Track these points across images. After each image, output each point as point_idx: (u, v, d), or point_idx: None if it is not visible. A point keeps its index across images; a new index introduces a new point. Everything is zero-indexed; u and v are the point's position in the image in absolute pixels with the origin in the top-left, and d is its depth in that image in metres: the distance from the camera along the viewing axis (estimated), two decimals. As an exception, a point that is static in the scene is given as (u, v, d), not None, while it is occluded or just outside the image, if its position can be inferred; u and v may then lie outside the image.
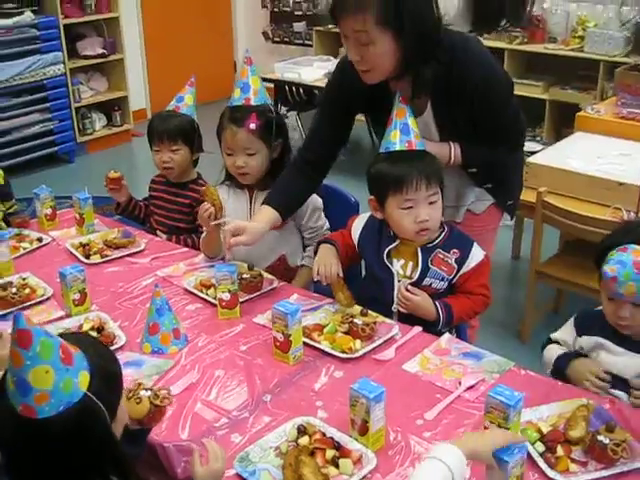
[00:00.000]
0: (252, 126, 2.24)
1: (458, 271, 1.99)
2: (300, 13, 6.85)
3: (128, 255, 2.44)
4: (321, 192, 2.41)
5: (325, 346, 1.85)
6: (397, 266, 2.01)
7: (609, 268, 1.65)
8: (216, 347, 1.89)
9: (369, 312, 1.95)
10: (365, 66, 1.90)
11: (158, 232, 2.73)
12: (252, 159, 2.30)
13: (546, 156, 3.20)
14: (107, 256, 2.43)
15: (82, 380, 1.12)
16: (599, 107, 3.62)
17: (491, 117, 2.00)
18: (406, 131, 1.94)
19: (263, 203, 2.19)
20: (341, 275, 2.03)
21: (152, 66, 6.75)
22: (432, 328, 1.96)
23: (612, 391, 1.74)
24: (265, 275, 2.21)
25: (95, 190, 2.80)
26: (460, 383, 1.71)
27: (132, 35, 6.34)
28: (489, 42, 5.46)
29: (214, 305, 2.07)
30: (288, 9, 6.94)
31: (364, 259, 2.14)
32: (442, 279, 1.98)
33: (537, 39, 5.38)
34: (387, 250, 2.00)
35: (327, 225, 2.43)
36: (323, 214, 2.42)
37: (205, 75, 6.63)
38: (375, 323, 1.90)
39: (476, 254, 2.00)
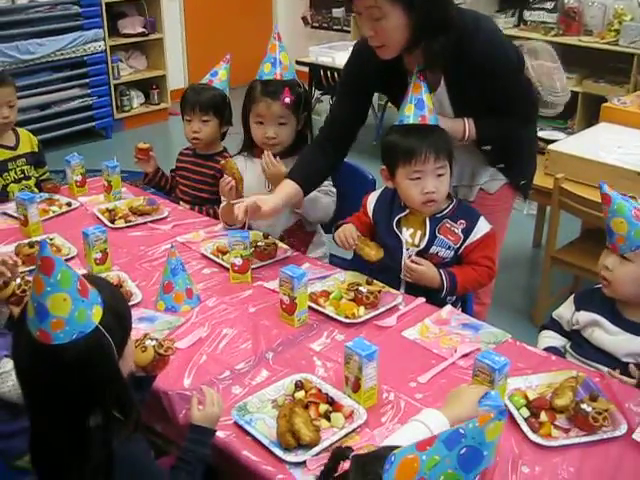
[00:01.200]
0: (287, 100, 2.35)
1: (464, 241, 2.06)
2: (339, -1, 6.90)
3: (151, 222, 2.54)
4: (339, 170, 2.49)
5: (330, 311, 1.93)
6: (406, 235, 2.09)
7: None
8: (226, 307, 1.98)
9: (374, 281, 2.02)
10: (378, 41, 1.97)
11: (181, 202, 2.83)
12: (283, 129, 2.42)
13: (568, 144, 3.22)
14: (131, 221, 2.53)
15: (95, 313, 1.22)
16: (625, 99, 3.62)
17: (502, 90, 2.06)
18: (421, 106, 2.00)
19: (286, 177, 2.27)
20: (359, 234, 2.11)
21: (191, 47, 6.87)
22: (437, 295, 2.03)
23: (597, 365, 1.80)
24: (280, 244, 2.30)
25: (128, 164, 2.91)
26: (456, 350, 1.78)
27: (172, 15, 6.46)
28: (524, 33, 5.48)
29: (228, 270, 2.16)
30: (327, -6, 6.99)
31: (377, 229, 2.22)
32: (448, 248, 2.06)
33: (572, 31, 5.36)
34: (397, 219, 2.09)
35: (331, 186, 2.48)
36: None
37: (243, 57, 6.73)
38: (379, 292, 1.98)
39: (482, 226, 2.08)
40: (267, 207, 2.14)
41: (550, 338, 1.96)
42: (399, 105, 2.13)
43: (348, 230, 2.12)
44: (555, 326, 1.98)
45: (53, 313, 1.18)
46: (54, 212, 2.63)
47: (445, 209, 2.08)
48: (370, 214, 2.19)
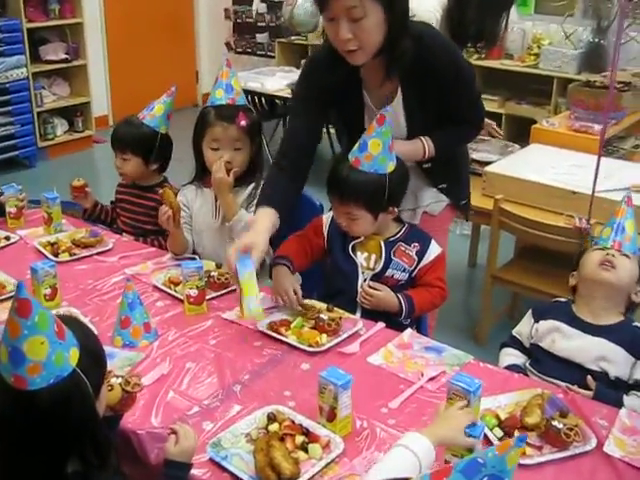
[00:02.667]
0: (243, 123, 2.34)
1: (418, 263, 2.11)
2: (263, 24, 6.95)
3: (96, 254, 2.47)
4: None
5: (292, 340, 1.92)
6: (361, 259, 2.12)
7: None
8: (186, 341, 1.94)
9: (335, 308, 2.02)
10: (355, 44, 1.92)
11: (124, 234, 2.77)
12: (238, 154, 2.39)
13: (502, 166, 3.32)
14: (75, 254, 2.45)
15: (72, 355, 1.17)
16: (554, 120, 3.77)
17: (458, 95, 2.11)
18: (364, 148, 1.99)
19: (258, 206, 2.10)
20: (299, 294, 2.06)
21: (114, 73, 6.76)
22: (395, 318, 2.06)
23: (557, 381, 1.85)
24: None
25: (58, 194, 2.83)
26: (422, 374, 1.80)
27: (95, 41, 6.35)
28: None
29: (182, 301, 2.12)
30: (251, 20, 7.03)
31: (331, 253, 2.22)
32: (403, 270, 2.10)
33: (494, 55, 5.55)
34: (352, 244, 2.12)
35: None
36: None
37: (167, 84, 6.68)
38: (340, 318, 1.97)
39: (434, 248, 2.14)
40: (258, 252, 1.95)
41: (511, 356, 2.01)
42: (344, 130, 2.17)
43: (289, 290, 2.04)
44: (515, 343, 2.04)
45: (30, 357, 1.13)
46: (-8, 247, 2.52)
47: (397, 233, 2.13)
48: (325, 235, 2.20)
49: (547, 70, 5.16)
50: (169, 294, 2.19)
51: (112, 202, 2.93)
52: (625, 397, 1.81)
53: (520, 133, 4.86)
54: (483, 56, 5.52)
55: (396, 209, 2.09)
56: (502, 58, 5.53)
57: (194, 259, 2.36)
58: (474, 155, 3.49)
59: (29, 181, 5.32)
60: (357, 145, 2.02)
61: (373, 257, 2.11)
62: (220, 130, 2.37)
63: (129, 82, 6.73)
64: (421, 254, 2.11)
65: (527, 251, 3.38)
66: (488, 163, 3.44)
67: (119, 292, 2.18)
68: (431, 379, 1.78)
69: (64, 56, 5.81)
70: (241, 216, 2.35)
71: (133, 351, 1.88)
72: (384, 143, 1.99)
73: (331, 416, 1.55)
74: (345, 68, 2.03)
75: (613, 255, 1.93)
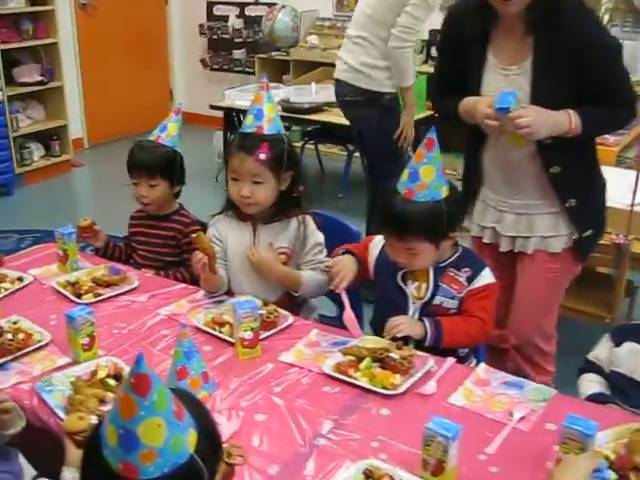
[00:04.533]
0: (262, 156, 2.14)
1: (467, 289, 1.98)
2: (240, 40, 6.81)
3: (123, 293, 2.30)
4: (321, 224, 2.35)
5: (364, 383, 1.78)
6: (411, 288, 2.00)
7: None
8: (249, 389, 1.79)
9: (404, 346, 1.89)
10: None
11: (143, 269, 2.59)
12: (258, 188, 2.19)
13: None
14: (100, 295, 2.27)
15: (190, 439, 1.02)
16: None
17: (599, 69, 1.99)
18: (415, 178, 1.88)
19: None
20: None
21: (88, 94, 6.53)
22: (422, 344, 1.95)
23: None
24: (280, 311, 2.12)
25: (34, 223, 2.64)
26: (511, 414, 1.68)
27: (69, 62, 6.12)
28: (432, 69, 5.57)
29: (230, 343, 1.97)
30: (227, 36, 6.88)
31: (378, 284, 2.11)
32: (452, 297, 1.98)
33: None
34: (401, 273, 2.00)
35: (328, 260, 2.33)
36: (325, 249, 2.32)
37: (140, 103, 6.55)
38: (411, 356, 1.85)
39: (486, 275, 1.99)
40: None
41: (593, 382, 1.91)
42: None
43: (345, 273, 2.01)
44: (593, 368, 1.93)
45: (145, 442, 0.97)
46: (6, 289, 2.32)
47: (449, 257, 2.00)
48: (372, 264, 2.09)
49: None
50: (215, 336, 2.03)
51: (125, 237, 2.75)
52: None
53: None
54: None
55: (456, 233, 1.98)
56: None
57: (231, 295, 2.22)
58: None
59: (8, 210, 5.10)
60: (406, 175, 1.90)
61: (423, 286, 1.99)
62: (237, 161, 2.17)
63: (103, 103, 6.52)
64: (470, 279, 1.97)
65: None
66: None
67: (159, 336, 2.05)
68: (521, 418, 1.66)
69: (39, 78, 5.59)
70: (307, 280, 2.23)
71: (194, 404, 1.72)
72: (437, 169, 1.88)
73: (438, 470, 1.42)
74: (484, 17, 2.04)
75: None
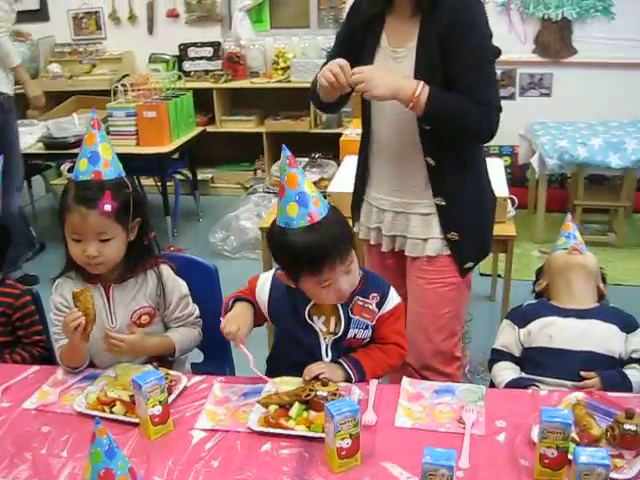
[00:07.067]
0: (107, 207, 1.83)
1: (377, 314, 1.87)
2: None
3: (-37, 397, 1.88)
4: (177, 265, 2.13)
5: (303, 431, 1.63)
6: (319, 324, 1.86)
7: None
8: (184, 474, 1.54)
9: (327, 381, 1.75)
10: None
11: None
12: (107, 246, 1.89)
13: (339, 183, 3.23)
14: None
15: None
16: (354, 129, 3.80)
17: (461, 53, 1.95)
18: (304, 201, 1.68)
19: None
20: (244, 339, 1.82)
21: None
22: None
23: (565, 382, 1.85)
24: (172, 372, 1.88)
25: None
26: (460, 421, 1.64)
27: None
28: (196, 84, 5.44)
29: (131, 424, 1.70)
30: None
31: (278, 324, 1.95)
32: (366, 327, 1.86)
33: (240, 75, 5.50)
34: (307, 309, 1.84)
35: (197, 312, 2.12)
36: (191, 299, 2.11)
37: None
38: (338, 390, 1.72)
39: (393, 296, 1.89)
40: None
41: (507, 370, 1.96)
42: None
43: (238, 326, 1.80)
44: (504, 356, 1.98)
45: None
46: None
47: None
48: (264, 304, 1.91)
49: (299, 82, 5.21)
50: (109, 419, 1.73)
51: None
52: (627, 372, 1.86)
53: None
54: (230, 78, 5.46)
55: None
56: (248, 77, 5.48)
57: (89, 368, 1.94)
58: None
59: None
60: (293, 208, 1.68)
61: (332, 319, 1.85)
62: (78, 218, 1.84)
63: None
64: (380, 305, 1.86)
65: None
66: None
67: (41, 436, 1.69)
68: (472, 424, 1.63)
69: None
70: (180, 341, 2.05)
71: (128, 511, 1.44)
72: (309, 184, 1.76)
73: (445, 503, 1.34)
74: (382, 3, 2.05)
75: (574, 248, 1.98)
